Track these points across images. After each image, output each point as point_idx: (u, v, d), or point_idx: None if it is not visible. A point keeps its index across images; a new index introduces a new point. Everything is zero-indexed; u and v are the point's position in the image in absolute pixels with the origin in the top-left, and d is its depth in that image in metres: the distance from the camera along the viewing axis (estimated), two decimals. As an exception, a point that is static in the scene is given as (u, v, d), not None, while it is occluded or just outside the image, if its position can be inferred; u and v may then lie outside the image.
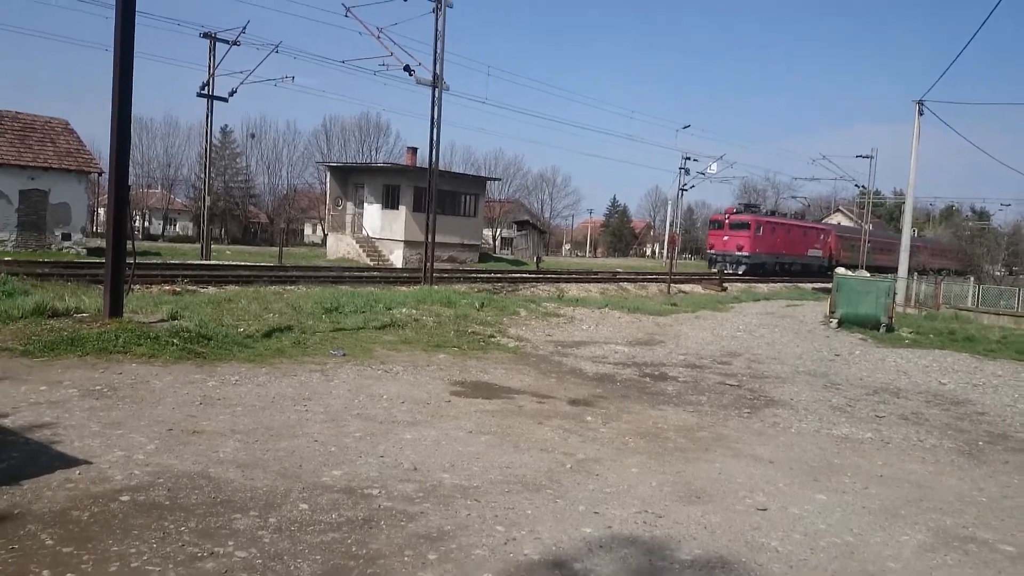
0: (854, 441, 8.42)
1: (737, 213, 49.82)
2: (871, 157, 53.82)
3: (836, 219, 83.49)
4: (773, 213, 54.30)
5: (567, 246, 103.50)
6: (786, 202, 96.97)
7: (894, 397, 11.40)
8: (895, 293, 22.95)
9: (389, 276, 26.26)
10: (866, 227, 59.41)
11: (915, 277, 34.44)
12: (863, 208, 63.85)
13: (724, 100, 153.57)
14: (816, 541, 5.25)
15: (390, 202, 39.35)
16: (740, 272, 46.03)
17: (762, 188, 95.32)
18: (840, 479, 6.85)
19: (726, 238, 48.22)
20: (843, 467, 7.27)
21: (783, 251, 50.47)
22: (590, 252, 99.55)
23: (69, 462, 5.59)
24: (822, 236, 56.23)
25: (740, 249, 47.32)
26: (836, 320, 21.02)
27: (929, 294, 32.25)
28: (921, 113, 30.99)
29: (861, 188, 59.71)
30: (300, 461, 6.10)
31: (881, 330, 20.39)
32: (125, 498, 5.02)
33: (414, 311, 15.59)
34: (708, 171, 57.01)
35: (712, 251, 49.49)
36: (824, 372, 13.35)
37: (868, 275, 26.55)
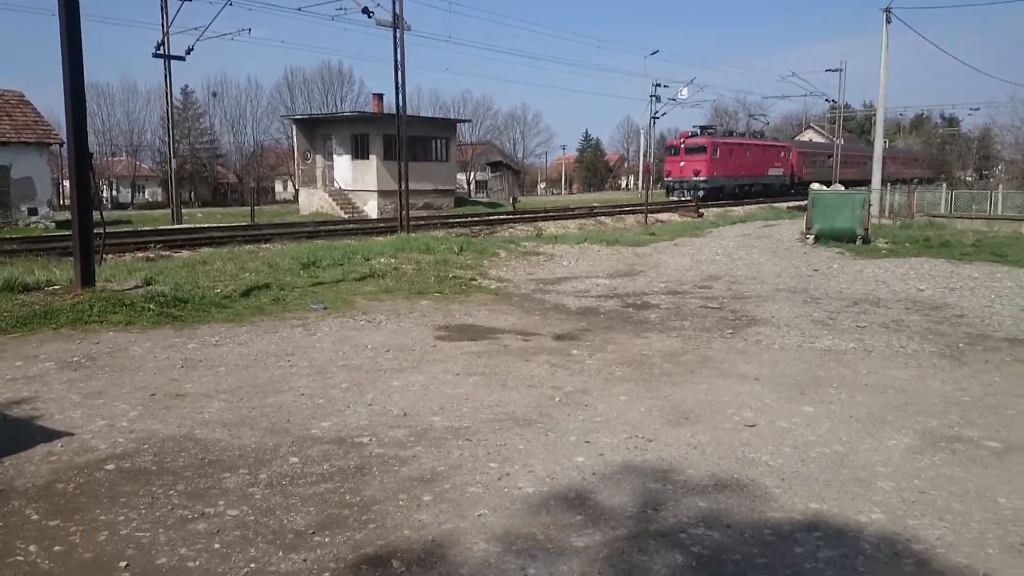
0: (837, 352, 8.49)
1: (692, 136, 47.60)
2: (840, 71, 53.48)
3: (808, 135, 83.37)
4: (731, 134, 52.04)
5: (542, 184, 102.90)
6: (757, 122, 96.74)
7: (874, 307, 11.50)
8: (870, 205, 22.99)
9: (365, 227, 25.99)
10: (838, 141, 59.42)
11: (888, 187, 34.61)
12: (834, 123, 63.66)
13: (691, 22, 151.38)
14: (806, 452, 5.30)
15: (360, 152, 38.74)
16: (700, 197, 43.58)
17: (733, 110, 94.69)
18: (826, 390, 6.91)
19: (682, 163, 46.14)
20: (828, 378, 7.34)
21: (742, 173, 48.88)
22: (566, 189, 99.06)
23: (50, 435, 5.51)
24: (782, 154, 54.53)
25: (697, 174, 45.39)
26: (812, 236, 21.09)
27: (903, 204, 32.44)
28: (889, 21, 30.65)
29: (831, 103, 59.53)
30: (288, 416, 6.05)
31: (858, 242, 20.50)
32: (110, 466, 4.95)
33: (393, 260, 15.44)
34: (679, 97, 56.59)
35: (669, 178, 47.59)
36: (804, 288, 13.43)
37: (843, 189, 26.62)
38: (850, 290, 13.18)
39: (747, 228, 26.97)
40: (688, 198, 42.67)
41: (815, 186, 26.04)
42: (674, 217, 34.27)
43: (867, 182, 51.08)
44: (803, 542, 4.00)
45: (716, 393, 6.79)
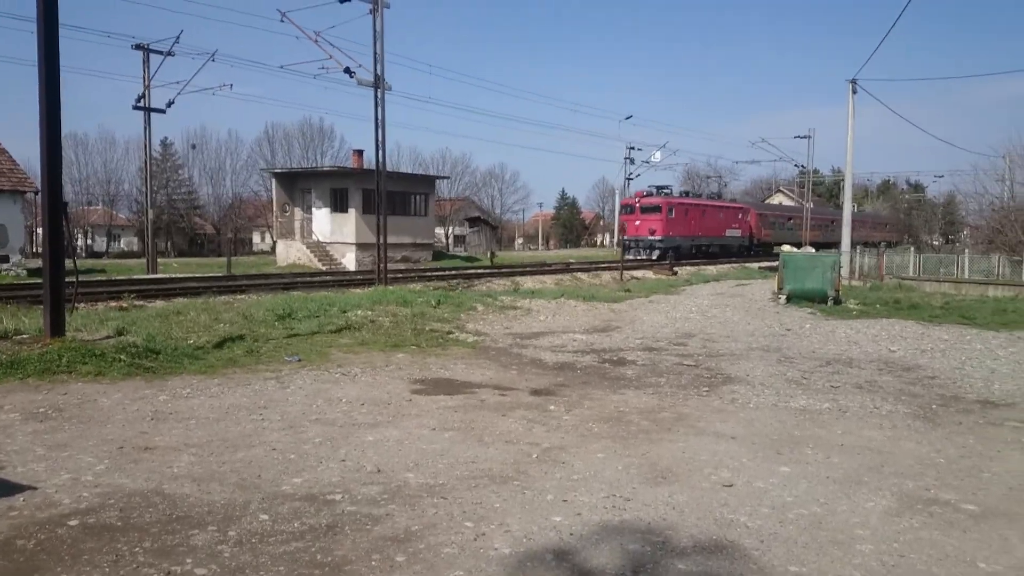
0: (812, 412, 8.52)
1: (647, 196, 47.61)
2: (809, 137, 55.10)
3: (777, 199, 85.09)
4: (687, 194, 51.84)
5: (520, 240, 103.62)
6: (727, 186, 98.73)
7: (847, 367, 11.60)
8: (840, 267, 23.42)
9: (342, 279, 25.90)
10: (807, 205, 60.68)
11: (858, 250, 35.29)
12: (803, 187, 65.13)
13: (665, 89, 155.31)
14: (784, 513, 5.27)
15: (339, 205, 38.85)
16: (654, 257, 44.04)
17: (705, 173, 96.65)
18: (802, 450, 6.91)
19: (638, 222, 45.81)
20: (804, 438, 7.35)
21: (699, 233, 48.60)
22: (542, 245, 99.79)
23: (12, 489, 5.33)
24: (740, 215, 54.55)
25: (652, 233, 45.06)
26: (784, 296, 21.36)
27: (872, 266, 33.07)
28: (855, 91, 31.71)
29: (800, 168, 61.07)
30: (258, 471, 5.92)
31: (829, 303, 20.79)
32: (74, 522, 4.79)
33: (370, 312, 15.37)
34: (652, 159, 57.78)
35: (625, 237, 46.41)
36: (777, 347, 13.53)
37: (813, 251, 27.10)
38: (823, 350, 13.30)
39: (720, 287, 27.27)
40: (643, 257, 42.88)
41: (786, 248, 26.55)
42: (649, 274, 34.58)
43: (832, 244, 52.21)
44: (783, 606, 3.94)
45: (693, 452, 6.76)
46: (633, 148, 56.62)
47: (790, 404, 8.91)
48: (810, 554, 4.59)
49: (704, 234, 49.34)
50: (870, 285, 28.12)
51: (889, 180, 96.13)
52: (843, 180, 41.04)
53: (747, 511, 5.29)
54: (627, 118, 77.00)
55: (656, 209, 45.71)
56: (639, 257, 43.65)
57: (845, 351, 13.21)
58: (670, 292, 24.84)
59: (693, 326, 16.42)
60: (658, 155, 56.08)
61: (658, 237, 44.99)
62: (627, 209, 48.19)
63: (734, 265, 43.39)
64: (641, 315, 18.26)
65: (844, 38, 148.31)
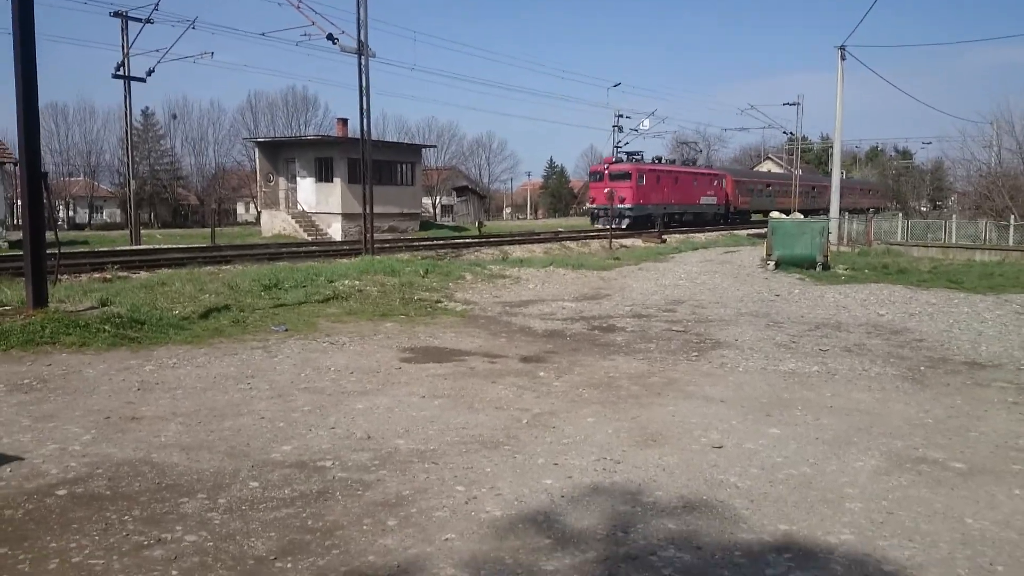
0: (801, 375, 8.55)
1: (617, 162, 44.80)
2: (798, 104, 54.90)
3: (766, 166, 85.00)
4: (659, 160, 48.16)
5: (508, 209, 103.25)
6: (716, 153, 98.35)
7: (836, 331, 11.64)
8: (829, 232, 23.46)
9: (329, 250, 25.73)
10: (796, 172, 60.64)
11: (846, 216, 35.36)
12: (792, 154, 65.03)
13: (653, 55, 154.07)
14: (774, 474, 5.29)
15: (324, 175, 38.48)
16: (624, 226, 41.00)
17: (693, 141, 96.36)
18: (791, 412, 6.94)
19: (607, 190, 42.30)
20: (793, 401, 7.38)
21: (671, 200, 46.15)
22: (531, 214, 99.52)
23: (-2, 460, 5.28)
24: (716, 182, 51.97)
25: (622, 201, 41.99)
26: (773, 262, 21.40)
27: (861, 232, 33.15)
28: (843, 58, 31.53)
29: (789, 135, 60.87)
30: (247, 439, 5.88)
31: (817, 269, 20.85)
32: (62, 492, 4.75)
33: (357, 282, 15.28)
34: (641, 127, 57.23)
35: (593, 205, 44.35)
36: (766, 312, 13.56)
37: (802, 217, 27.13)
38: (811, 315, 13.35)
39: (709, 254, 27.29)
40: (614, 226, 39.51)
41: (775, 214, 26.49)
42: (638, 242, 34.55)
43: (816, 211, 52.08)
44: (774, 564, 3.96)
45: (683, 415, 6.77)
46: (622, 116, 56.06)
47: (779, 367, 8.94)
48: (800, 512, 4.62)
49: (677, 202, 47.21)
50: (858, 251, 28.22)
51: (877, 147, 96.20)
52: (832, 147, 41.02)
53: (737, 472, 5.31)
54: (615, 85, 76.39)
55: (626, 176, 43.17)
56: (609, 227, 40.11)
57: (834, 315, 13.26)
58: (659, 260, 24.83)
59: (682, 293, 16.43)
60: (647, 123, 55.48)
61: (628, 205, 42.32)
62: (595, 176, 45.76)
63: (723, 232, 43.39)
64: (630, 282, 18.25)
65: (833, 3, 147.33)
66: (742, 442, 6.00)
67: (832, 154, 37.76)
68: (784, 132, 60.25)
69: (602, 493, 4.88)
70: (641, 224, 42.15)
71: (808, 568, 3.92)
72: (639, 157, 46.47)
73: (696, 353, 9.78)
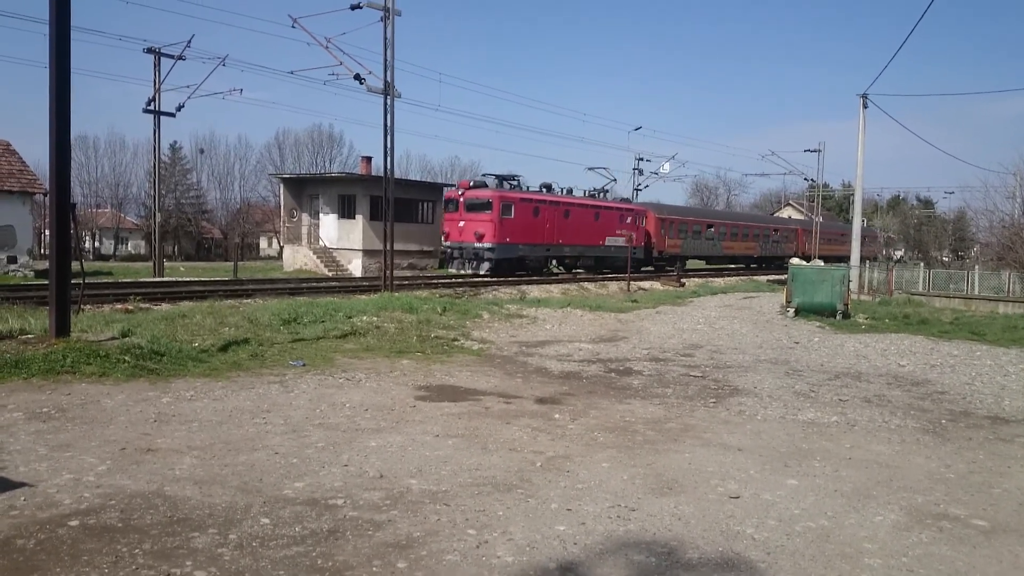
0: (820, 425, 8.44)
1: (475, 188, 33.98)
2: (819, 151, 54.90)
3: (786, 213, 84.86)
4: (548, 189, 37.72)
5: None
6: (737, 198, 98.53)
7: (856, 381, 11.50)
8: (849, 281, 23.31)
9: (348, 285, 25.89)
10: (816, 219, 60.37)
11: (867, 265, 35.15)
12: (812, 201, 64.86)
13: (674, 100, 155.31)
14: (791, 526, 5.20)
15: (346, 212, 38.90)
16: (483, 272, 32.36)
17: (714, 185, 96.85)
18: (810, 463, 6.83)
19: (462, 223, 33.13)
20: (812, 451, 7.27)
21: (557, 240, 35.96)
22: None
23: (13, 488, 5.30)
24: (631, 219, 40.94)
25: (480, 238, 32.54)
26: (793, 309, 21.26)
27: (882, 281, 32.92)
28: (865, 106, 31.68)
29: (810, 181, 60.84)
30: (260, 475, 5.87)
31: (837, 317, 20.69)
32: (74, 523, 4.75)
33: (375, 318, 15.34)
34: (661, 171, 57.51)
35: (447, 243, 34.65)
36: (785, 360, 13.44)
37: (822, 264, 27.00)
38: (831, 363, 13.20)
39: (728, 299, 27.16)
40: (470, 271, 32.58)
41: (794, 261, 26.41)
42: (656, 285, 34.50)
43: (783, 257, 49.87)
44: (790, 620, 3.87)
45: (699, 463, 6.69)
46: (642, 159, 56.41)
47: (798, 417, 8.83)
48: (817, 567, 4.52)
49: (569, 241, 36.71)
50: (879, 300, 27.98)
51: (899, 195, 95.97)
52: (853, 194, 40.97)
53: (754, 523, 5.22)
54: (636, 129, 77.01)
55: (486, 206, 32.84)
56: (463, 271, 32.75)
57: (854, 365, 13.11)
58: (677, 303, 24.74)
59: (700, 337, 16.33)
60: (667, 166, 55.70)
61: (487, 244, 32.58)
62: (450, 205, 34.55)
63: (742, 278, 43.20)
64: (648, 325, 18.18)
65: (855, 52, 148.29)
66: (759, 492, 5.91)
67: (853, 201, 37.71)
68: (805, 179, 60.28)
69: (617, 542, 4.81)
70: (508, 269, 33.68)
71: (825, 626, 3.83)
72: (515, 183, 35.93)
73: (714, 399, 9.69)
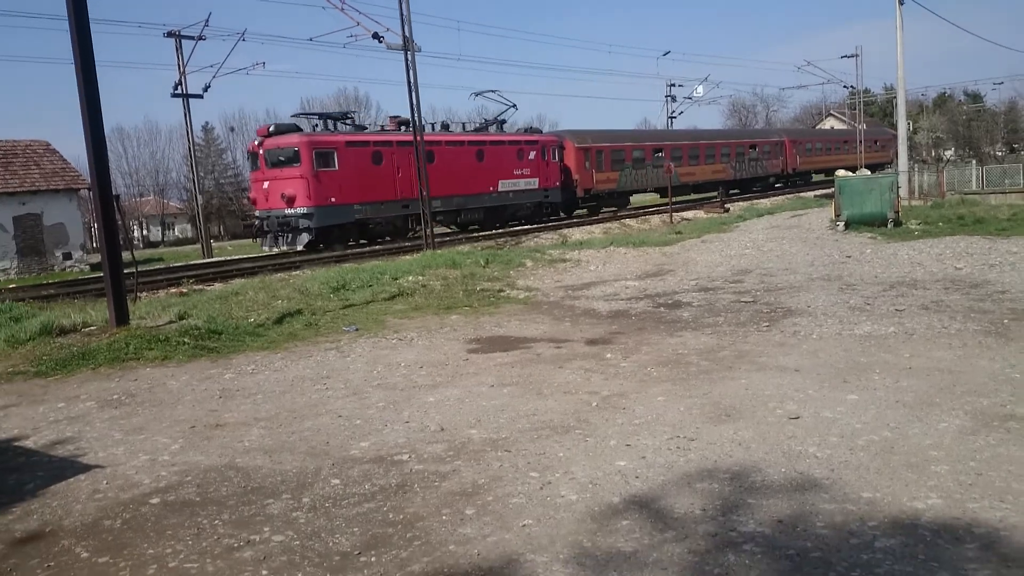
0: (878, 337, 8.31)
1: (276, 135, 25.67)
2: (856, 56, 52.85)
3: (828, 123, 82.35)
4: (402, 126, 28.46)
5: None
6: (776, 114, 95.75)
7: (912, 289, 11.26)
8: (899, 187, 22.64)
9: (391, 247, 26.10)
10: (860, 127, 58.39)
11: (915, 168, 34.07)
12: (854, 109, 62.69)
13: (703, 19, 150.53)
14: (854, 441, 5.17)
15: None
16: (300, 248, 24.89)
17: (751, 103, 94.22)
18: (869, 377, 6.76)
19: (266, 184, 25.51)
20: (871, 365, 7.18)
21: (421, 193, 24.16)
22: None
23: (95, 473, 5.56)
24: (535, 154, 32.25)
25: (291, 203, 24.64)
26: (842, 223, 20.77)
27: (932, 183, 31.92)
28: (902, 2, 30.28)
29: (850, 88, 58.80)
30: (326, 438, 6.05)
31: (889, 226, 20.16)
32: (155, 500, 4.98)
33: (420, 277, 15.47)
34: (695, 95, 56.17)
35: (257, 212, 26.54)
36: (838, 275, 13.20)
37: (868, 173, 26.27)
38: (885, 274, 12.93)
39: (775, 220, 26.64)
40: (286, 247, 25.29)
41: (840, 172, 25.72)
42: (700, 214, 34.02)
43: (764, 177, 45.04)
44: (859, 533, 3.88)
45: (756, 387, 6.67)
46: (674, 85, 55.15)
47: (854, 331, 8.70)
48: (883, 479, 4.50)
49: (440, 193, 27.68)
50: (931, 203, 27.17)
51: (945, 92, 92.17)
52: (895, 98, 39.50)
53: (815, 441, 5.21)
54: (665, 54, 74.88)
55: (292, 159, 24.91)
56: (272, 250, 25.48)
57: (909, 273, 12.82)
58: (723, 230, 24.37)
59: (749, 262, 16.12)
60: (700, 89, 54.31)
61: (300, 209, 24.68)
62: (252, 161, 26.70)
63: (788, 196, 42.26)
64: (694, 256, 17.98)
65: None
66: (819, 411, 5.88)
67: (896, 104, 36.39)
68: (844, 86, 58.22)
69: (678, 472, 4.86)
70: (340, 239, 25.96)
71: (895, 535, 3.83)
72: (349, 121, 28.54)
73: (767, 323, 9.60)
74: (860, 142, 53.92)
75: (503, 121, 34.04)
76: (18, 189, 28.47)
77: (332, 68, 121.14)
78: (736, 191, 45.08)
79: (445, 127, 31.55)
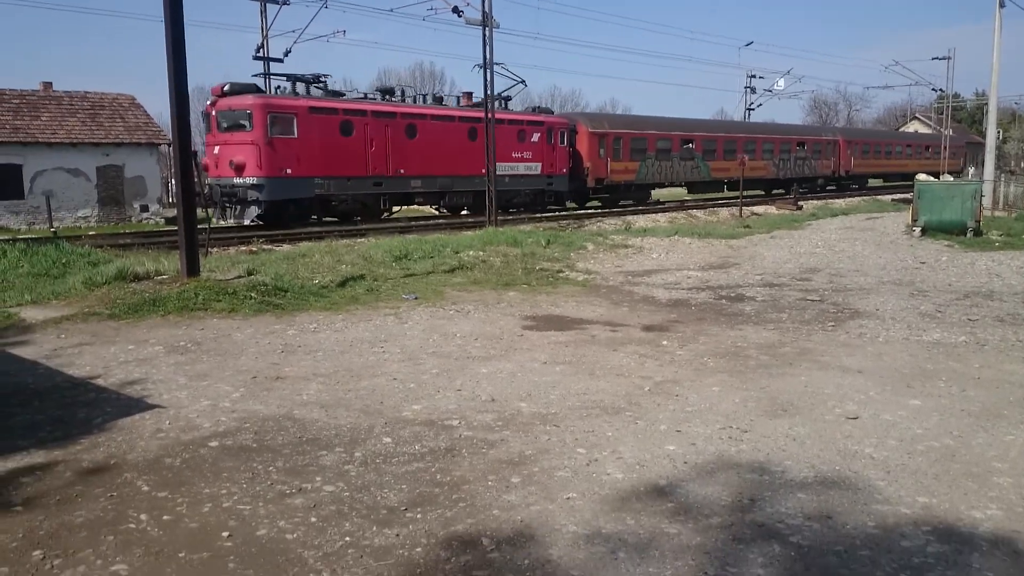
0: (947, 346, 8.04)
1: (230, 94, 22.52)
2: (949, 59, 50.67)
3: (913, 127, 79.39)
4: (391, 95, 26.54)
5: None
6: (859, 114, 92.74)
7: (987, 300, 10.84)
8: (982, 196, 21.75)
9: (454, 222, 26.25)
10: (946, 132, 56.07)
11: (1002, 178, 32.65)
12: (941, 113, 60.16)
13: (789, 11, 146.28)
14: (913, 446, 5.03)
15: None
16: (247, 222, 22.07)
17: (833, 101, 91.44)
18: (935, 384, 6.55)
19: (217, 150, 22.55)
20: (937, 372, 6.96)
21: (398, 170, 24.31)
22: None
23: (159, 413, 5.79)
24: (539, 136, 29.07)
25: (240, 171, 21.63)
26: (919, 228, 20.09)
27: (1019, 195, 30.58)
28: (1003, 4, 28.91)
29: (939, 92, 56.45)
30: (381, 398, 6.17)
31: (968, 235, 19.42)
32: (214, 444, 5.16)
33: (481, 253, 15.56)
34: (775, 88, 54.71)
35: (208, 179, 22.49)
36: (910, 280, 12.78)
37: (952, 179, 25.29)
38: (960, 283, 12.47)
39: (849, 221, 25.93)
40: (232, 221, 22.37)
41: (921, 177, 24.82)
42: (771, 209, 33.26)
43: (812, 178, 40.39)
44: (911, 536, 3.79)
45: (816, 385, 6.53)
46: (754, 76, 53.80)
47: (923, 338, 8.43)
48: (941, 486, 4.38)
49: (421, 172, 25.21)
50: (1015, 215, 26.03)
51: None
52: (987, 104, 37.82)
53: (873, 443, 5.08)
54: (747, 44, 73.12)
55: (244, 122, 21.93)
56: (226, 222, 22.40)
57: (985, 283, 12.34)
58: (794, 227, 23.83)
59: (819, 261, 15.73)
60: (781, 83, 52.80)
61: (249, 179, 21.67)
62: (207, 123, 23.55)
63: (864, 198, 40.94)
64: (761, 251, 17.63)
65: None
66: (879, 413, 5.73)
67: (987, 111, 34.86)
68: (933, 89, 55.96)
69: (727, 461, 4.81)
70: (297, 216, 22.60)
71: (949, 542, 3.73)
72: (322, 84, 24.72)
73: (832, 323, 9.37)
74: (945, 148, 51.50)
75: (508, 98, 29.98)
76: (103, 140, 29.52)
77: (410, 40, 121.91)
78: (782, 191, 41.13)
79: (438, 100, 28.43)
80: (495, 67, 28.68)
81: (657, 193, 37.81)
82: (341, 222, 23.83)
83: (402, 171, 24.22)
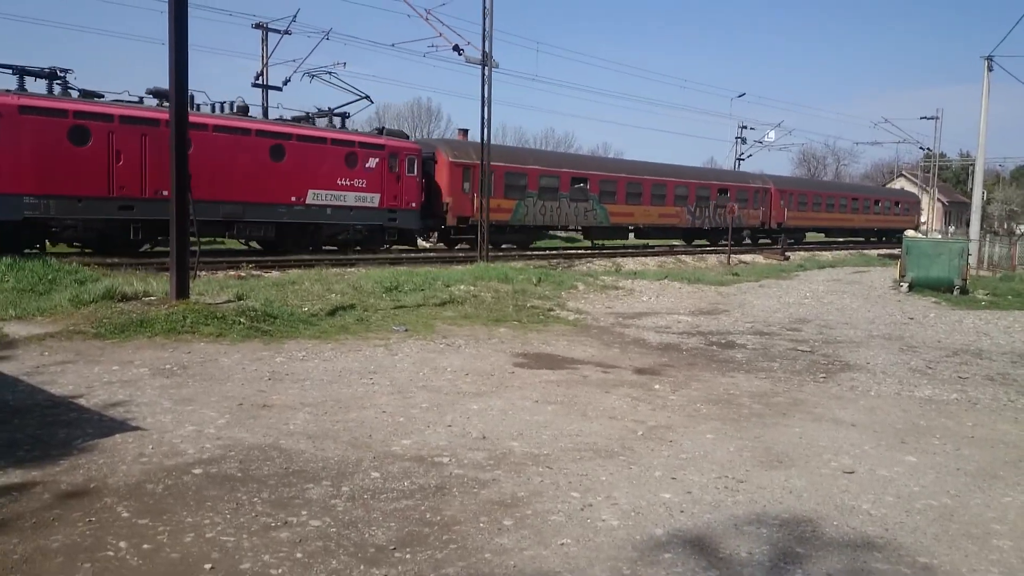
0: (939, 402, 8.01)
1: None
2: (936, 118, 51.80)
3: (899, 184, 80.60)
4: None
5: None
6: (846, 168, 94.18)
7: (976, 358, 10.86)
8: (969, 255, 21.99)
9: (445, 256, 26.22)
10: (933, 191, 56.96)
11: (987, 239, 33.10)
12: (927, 172, 61.17)
13: (781, 65, 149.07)
14: (911, 503, 4.96)
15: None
16: None
17: (822, 155, 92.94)
18: (929, 440, 6.50)
19: None
20: (930, 428, 6.91)
21: (163, 191, 17.05)
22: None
23: (142, 437, 5.63)
24: (377, 162, 24.21)
25: None
26: (907, 284, 20.24)
27: (1004, 255, 30.95)
28: (991, 69, 29.60)
29: (926, 150, 57.50)
30: (370, 431, 6.05)
31: (955, 292, 19.58)
32: (198, 471, 5.01)
33: (472, 287, 15.50)
34: (766, 139, 55.49)
35: None
36: (899, 335, 12.82)
37: (939, 237, 25.57)
38: (949, 340, 12.51)
39: (836, 273, 26.13)
40: None
41: (909, 233, 25.12)
42: (758, 258, 33.49)
43: (722, 229, 34.95)
44: (913, 598, 3.70)
45: (810, 437, 6.47)
46: (745, 127, 54.61)
47: (914, 393, 8.41)
48: (940, 546, 4.30)
49: (206, 196, 18.91)
50: (1000, 275, 26.31)
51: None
52: (972, 164, 38.49)
53: (870, 499, 5.01)
54: (739, 96, 74.22)
55: None
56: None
57: (974, 342, 12.38)
58: (781, 277, 23.96)
59: (807, 311, 15.77)
60: (772, 135, 53.60)
61: None
62: None
63: (850, 251, 41.33)
64: (751, 299, 17.69)
65: (978, 13, 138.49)
66: (875, 468, 5.67)
67: (973, 172, 35.46)
68: (920, 147, 57.08)
69: (724, 511, 4.71)
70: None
71: (952, 606, 3.64)
72: (62, 80, 19.07)
73: (824, 374, 9.34)
74: (933, 200, 51.92)
75: (345, 115, 25.59)
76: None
77: (408, 75, 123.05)
78: (705, 242, 38.02)
79: (244, 111, 22.64)
80: (326, 77, 26.53)
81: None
82: (98, 253, 19.00)
83: (165, 193, 15.94)
